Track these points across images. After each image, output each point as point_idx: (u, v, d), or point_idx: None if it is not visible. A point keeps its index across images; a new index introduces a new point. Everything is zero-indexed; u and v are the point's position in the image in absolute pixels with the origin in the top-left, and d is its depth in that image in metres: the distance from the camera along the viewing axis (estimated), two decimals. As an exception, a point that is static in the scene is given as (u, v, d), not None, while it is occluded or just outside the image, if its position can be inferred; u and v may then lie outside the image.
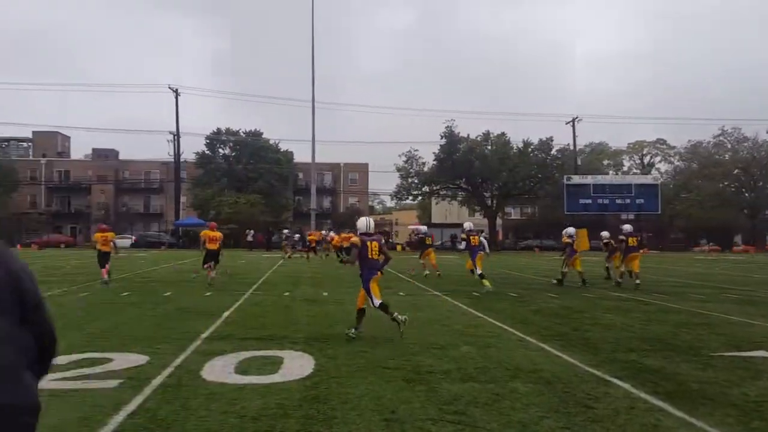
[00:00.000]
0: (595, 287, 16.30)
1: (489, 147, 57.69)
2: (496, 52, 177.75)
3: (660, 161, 77.56)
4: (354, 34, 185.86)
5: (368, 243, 8.08)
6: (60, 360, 6.36)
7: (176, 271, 20.92)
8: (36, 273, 1.78)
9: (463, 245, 15.77)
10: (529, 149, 57.48)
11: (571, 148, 60.54)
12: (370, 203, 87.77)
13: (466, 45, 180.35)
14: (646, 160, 77.74)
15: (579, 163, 62.46)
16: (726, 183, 70.06)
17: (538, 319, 10.10)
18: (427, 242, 20.63)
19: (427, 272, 19.44)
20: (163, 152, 65.43)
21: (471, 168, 55.27)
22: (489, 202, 60.18)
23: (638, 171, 73.90)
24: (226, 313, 10.18)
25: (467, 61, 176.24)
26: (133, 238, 56.87)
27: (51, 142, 78.49)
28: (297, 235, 37.50)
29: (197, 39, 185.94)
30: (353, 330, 7.99)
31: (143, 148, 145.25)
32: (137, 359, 6.46)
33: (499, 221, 61.92)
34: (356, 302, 8.37)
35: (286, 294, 13.51)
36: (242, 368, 6.10)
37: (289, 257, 32.18)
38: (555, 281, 16.75)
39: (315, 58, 42.88)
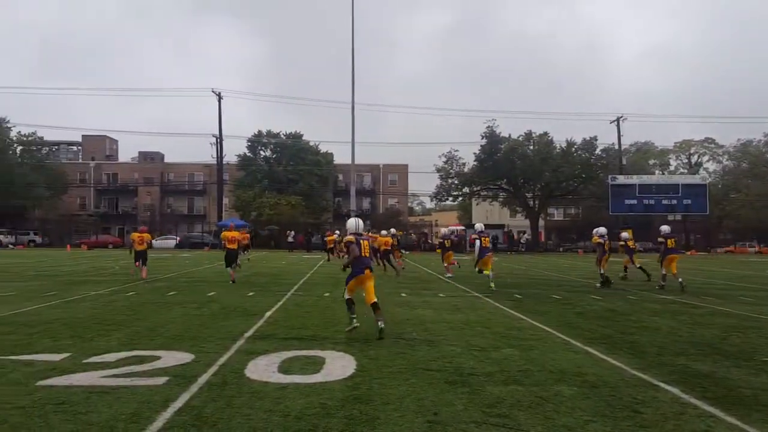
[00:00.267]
0: (640, 290, 15.90)
1: (531, 147, 56.86)
2: (536, 50, 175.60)
3: (708, 161, 75.20)
4: (393, 35, 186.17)
5: (361, 242, 8.39)
6: (110, 357, 6.57)
7: (218, 272, 21.27)
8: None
9: (476, 245, 16.11)
10: (573, 149, 56.46)
11: (616, 147, 59.24)
12: (409, 204, 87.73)
13: (507, 44, 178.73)
14: (694, 159, 75.49)
15: (624, 162, 61.03)
16: (776, 183, 67.52)
17: (582, 322, 9.92)
18: (447, 244, 21.07)
19: (450, 275, 19.79)
20: (206, 155, 66.80)
21: (513, 168, 54.62)
22: (531, 202, 59.35)
23: (685, 171, 71.80)
24: (268, 313, 10.30)
25: (508, 61, 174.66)
26: (178, 238, 58.11)
27: (99, 146, 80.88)
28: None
29: (239, 43, 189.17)
30: (354, 321, 8.27)
31: (187, 150, 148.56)
32: (183, 357, 6.59)
33: (541, 222, 60.97)
34: (346, 293, 8.63)
35: (327, 295, 13.59)
36: (285, 368, 6.16)
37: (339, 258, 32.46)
38: (599, 284, 16.41)
39: (355, 59, 43.03)
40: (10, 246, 54.84)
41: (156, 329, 8.55)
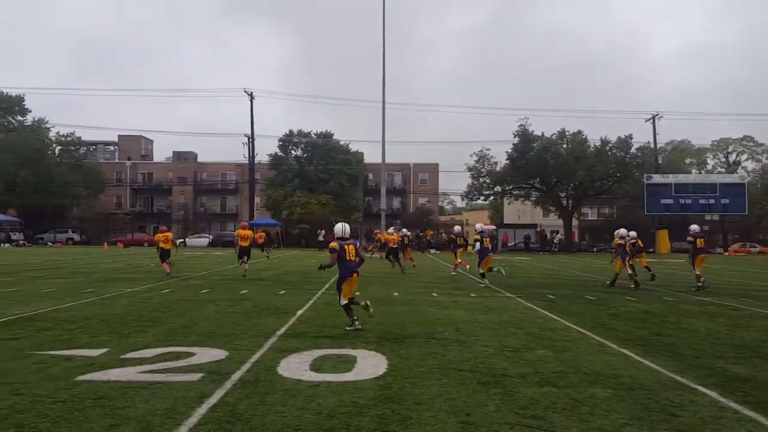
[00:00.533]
0: (677, 291, 15.58)
1: (564, 145, 56.06)
2: (569, 48, 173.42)
3: (747, 159, 73.28)
4: (424, 33, 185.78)
5: (345, 246, 8.69)
6: (146, 353, 6.69)
7: (251, 270, 21.48)
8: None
9: (477, 246, 16.39)
10: (607, 147, 55.50)
11: (652, 146, 58.11)
12: (440, 203, 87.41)
13: (539, 42, 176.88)
14: (732, 158, 73.63)
15: (660, 161, 59.87)
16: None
17: (617, 323, 9.75)
18: (459, 242, 21.34)
19: (454, 273, 19.90)
20: (238, 154, 67.58)
21: (545, 167, 53.93)
22: (564, 202, 58.52)
23: (723, 170, 70.11)
24: (300, 312, 10.37)
25: (540, 59, 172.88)
26: (210, 237, 58.96)
27: (135, 146, 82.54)
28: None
29: (271, 43, 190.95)
30: (356, 322, 8.55)
31: (220, 150, 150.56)
32: (217, 354, 6.68)
33: (575, 222, 60.06)
34: (342, 299, 8.76)
35: (357, 294, 13.58)
36: (317, 366, 6.19)
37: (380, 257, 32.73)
38: (632, 286, 16.12)
39: (386, 58, 43.05)
40: (50, 243, 56.34)
41: (190, 326, 8.69)
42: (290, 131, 65.96)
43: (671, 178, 51.59)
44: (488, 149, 58.44)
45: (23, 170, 58.22)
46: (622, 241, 16.15)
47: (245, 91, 57.71)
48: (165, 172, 74.91)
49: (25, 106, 73.57)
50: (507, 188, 59.93)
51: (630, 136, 55.81)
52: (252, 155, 58.82)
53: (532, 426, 4.41)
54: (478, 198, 64.14)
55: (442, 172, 75.00)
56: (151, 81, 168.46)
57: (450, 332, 8.44)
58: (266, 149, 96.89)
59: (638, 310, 11.63)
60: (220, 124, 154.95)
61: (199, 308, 10.71)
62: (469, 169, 58.16)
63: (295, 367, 6.12)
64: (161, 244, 18.69)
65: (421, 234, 43.53)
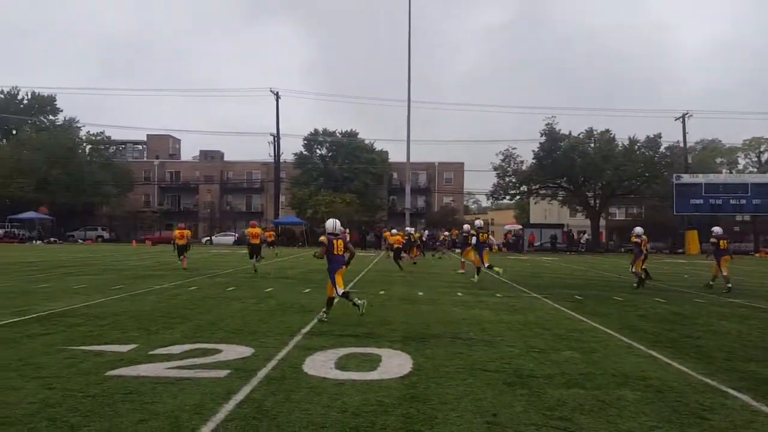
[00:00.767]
0: (708, 293, 15.29)
1: (592, 144, 55.38)
2: (597, 46, 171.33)
3: (780, 158, 71.56)
4: (449, 32, 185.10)
5: (334, 241, 9.22)
6: (174, 349, 6.78)
7: (276, 268, 21.65)
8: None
9: (473, 241, 17.05)
10: (636, 147, 54.68)
11: (681, 145, 57.09)
12: (465, 203, 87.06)
13: (565, 40, 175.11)
14: (764, 157, 71.91)
15: (689, 161, 58.74)
16: None
17: (645, 325, 9.61)
18: (469, 241, 21.33)
19: (462, 271, 19.78)
20: (264, 153, 68.10)
21: (573, 166, 53.35)
22: (592, 202, 57.82)
23: (755, 169, 68.56)
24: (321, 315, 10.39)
25: (566, 57, 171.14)
26: (236, 235, 59.53)
27: (163, 145, 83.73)
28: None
29: (296, 42, 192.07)
30: (323, 314, 9.23)
31: (246, 149, 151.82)
32: (244, 351, 6.74)
33: (602, 222, 59.30)
34: (327, 292, 9.42)
35: (381, 293, 13.62)
36: (341, 364, 6.21)
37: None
38: (634, 285, 16.23)
39: (411, 57, 43.02)
40: (80, 241, 57.46)
41: (217, 323, 8.78)
42: (315, 130, 66.32)
43: (701, 178, 50.64)
44: (514, 148, 58.01)
45: (55, 169, 59.45)
46: (638, 240, 16.21)
47: (271, 91, 58.12)
48: (192, 171, 75.85)
49: (57, 106, 75.43)
50: (533, 187, 59.43)
51: (659, 135, 54.97)
52: (277, 154, 59.22)
53: (558, 427, 4.37)
54: (504, 197, 63.77)
55: (468, 171, 74.81)
56: (178, 81, 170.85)
57: (475, 332, 8.40)
58: (291, 148, 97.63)
59: (667, 311, 11.45)
60: (246, 123, 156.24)
61: (226, 305, 10.83)
62: (495, 168, 57.84)
63: (320, 365, 6.14)
64: (178, 241, 20.22)
65: (447, 233, 43.31)
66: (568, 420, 4.53)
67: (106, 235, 61.81)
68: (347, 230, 49.99)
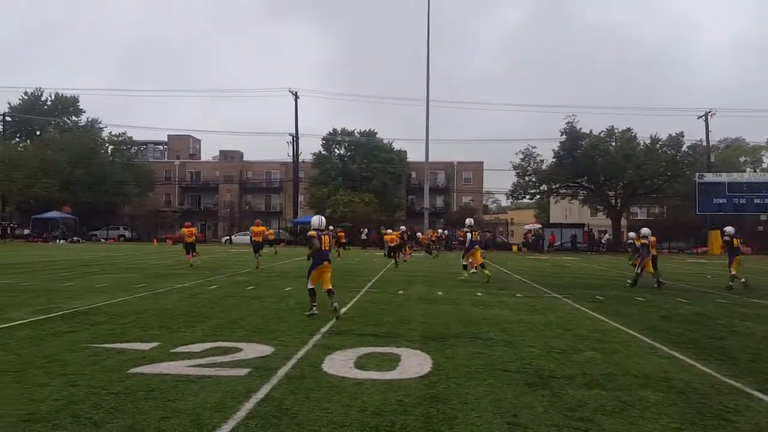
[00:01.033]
0: (731, 293, 15.06)
1: (613, 143, 54.79)
2: (616, 44, 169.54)
3: (804, 157, 70.28)
4: (467, 31, 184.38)
5: (321, 236, 9.55)
6: (195, 347, 6.84)
7: (295, 267, 21.75)
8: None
9: (468, 238, 17.52)
10: (658, 145, 54.00)
11: (704, 144, 56.25)
12: (484, 202, 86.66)
13: (584, 38, 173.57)
14: (789, 156, 70.74)
15: (712, 160, 57.88)
16: None
17: (667, 325, 9.50)
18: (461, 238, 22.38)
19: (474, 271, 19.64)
20: (283, 153, 68.43)
21: (593, 165, 52.83)
22: (613, 201, 57.22)
23: (780, 168, 67.42)
24: (343, 310, 10.39)
25: (586, 55, 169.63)
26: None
27: (184, 145, 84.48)
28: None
29: (314, 42, 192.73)
30: (312, 308, 9.47)
31: (265, 149, 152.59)
32: (263, 350, 6.78)
33: (624, 222, 58.61)
34: (310, 283, 9.63)
35: (401, 292, 13.62)
36: (361, 364, 6.22)
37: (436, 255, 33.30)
38: (629, 282, 16.51)
39: (429, 56, 42.97)
40: (102, 240, 58.21)
41: (237, 321, 8.84)
42: (334, 130, 66.51)
43: (725, 177, 49.89)
44: (534, 147, 57.62)
45: (78, 169, 60.25)
46: (645, 241, 16.32)
47: (290, 91, 58.44)
48: (212, 171, 76.45)
49: (80, 107, 76.58)
50: (554, 187, 58.97)
51: (681, 134, 54.27)
52: (296, 154, 59.48)
53: (580, 429, 4.33)
54: (524, 197, 63.39)
55: (487, 171, 74.35)
56: (198, 81, 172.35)
57: (495, 332, 8.36)
58: (310, 148, 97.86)
59: (690, 312, 11.31)
60: (265, 123, 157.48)
61: (245, 304, 10.89)
62: (515, 168, 57.49)
63: (340, 364, 6.16)
64: (186, 239, 21.54)
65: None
66: (589, 421, 4.50)
67: (127, 234, 62.46)
68: (366, 230, 50.19)
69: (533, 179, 57.51)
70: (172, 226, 65.72)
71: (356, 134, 65.75)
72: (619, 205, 57.01)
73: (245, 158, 79.29)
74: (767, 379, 5.93)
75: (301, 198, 63.97)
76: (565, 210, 76.73)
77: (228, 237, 61.92)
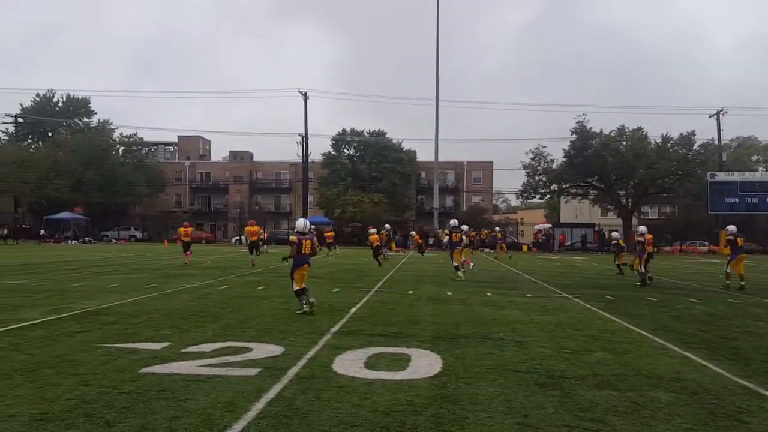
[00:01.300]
0: (742, 293, 14.94)
1: (624, 143, 54.43)
2: (626, 42, 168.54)
3: (818, 156, 69.56)
4: (475, 30, 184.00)
5: (303, 241, 9.90)
6: (206, 347, 6.87)
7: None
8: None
9: (446, 240, 18.28)
10: (669, 144, 53.60)
11: (716, 142, 55.79)
12: (494, 202, 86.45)
13: (594, 36, 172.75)
14: (802, 155, 70.06)
15: (724, 159, 57.41)
16: None
17: (679, 326, 9.43)
18: (455, 239, 22.84)
19: (466, 269, 20.32)
20: (292, 153, 68.56)
21: (604, 165, 52.49)
22: (624, 200, 56.86)
23: (793, 167, 66.79)
24: (353, 310, 10.43)
25: (596, 54, 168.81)
26: (265, 235, 59.95)
27: (194, 146, 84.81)
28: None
29: (322, 42, 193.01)
30: (304, 306, 9.74)
31: (275, 149, 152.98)
32: (274, 350, 6.79)
33: (634, 221, 58.23)
34: (295, 285, 9.93)
35: (410, 292, 13.61)
36: (371, 364, 6.21)
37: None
38: (638, 283, 16.39)
39: (439, 56, 42.91)
40: (114, 241, 58.60)
41: (247, 321, 8.87)
42: (343, 130, 66.53)
43: (737, 176, 49.42)
44: (544, 146, 57.31)
45: (89, 170, 60.69)
46: (641, 239, 16.49)
47: (299, 92, 58.48)
48: (222, 172, 76.72)
49: (91, 108, 77.10)
50: (564, 186, 58.67)
51: (693, 133, 53.85)
52: (306, 154, 59.56)
53: (591, 429, 4.31)
54: (534, 196, 63.12)
55: (497, 170, 74.10)
56: (208, 83, 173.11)
57: (506, 333, 8.33)
58: (319, 148, 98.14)
59: (702, 312, 11.23)
60: (274, 124, 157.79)
61: (256, 305, 10.93)
62: (525, 167, 57.27)
63: (350, 364, 6.16)
64: (183, 238, 22.42)
65: (476, 233, 43.07)
66: (600, 422, 4.47)
67: (138, 235, 62.84)
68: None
69: (543, 179, 57.24)
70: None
71: (365, 134, 65.76)
72: (629, 204, 56.66)
73: (255, 159, 79.49)
74: (781, 380, 5.87)
75: (310, 198, 64.04)
76: (575, 210, 76.40)
77: (238, 237, 62.10)
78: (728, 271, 16.23)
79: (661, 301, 12.84)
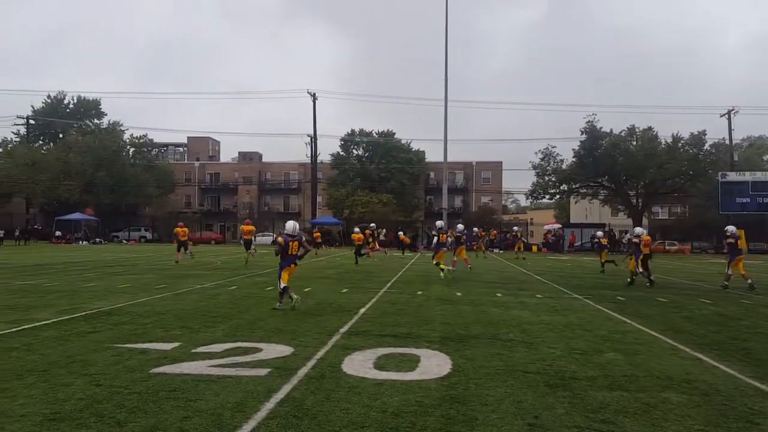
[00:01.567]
0: (754, 294, 14.82)
1: (634, 142, 54.11)
2: (635, 42, 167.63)
3: (831, 156, 68.74)
4: (482, 30, 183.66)
5: (290, 242, 10.40)
6: (215, 348, 6.90)
7: (313, 269, 21.81)
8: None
9: (434, 241, 18.77)
10: (679, 144, 53.25)
11: (727, 142, 55.36)
12: (503, 202, 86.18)
13: (603, 36, 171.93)
14: (815, 154, 69.26)
15: (735, 158, 56.94)
16: None
17: (690, 327, 9.37)
18: (462, 240, 22.91)
19: (454, 269, 20.64)
20: (301, 153, 68.70)
21: (614, 165, 52.21)
22: (634, 201, 56.52)
23: (806, 166, 66.07)
24: (362, 310, 10.43)
25: (605, 54, 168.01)
26: (274, 235, 60.07)
27: (203, 147, 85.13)
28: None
29: (331, 43, 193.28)
30: (280, 304, 10.33)
31: (284, 149, 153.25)
32: (283, 350, 6.81)
33: (645, 221, 57.86)
34: (282, 282, 10.43)
35: (419, 293, 13.60)
36: (380, 364, 6.21)
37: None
38: (647, 282, 16.47)
39: (448, 56, 42.79)
40: (124, 241, 58.93)
41: (256, 322, 8.89)
42: (352, 131, 66.59)
43: (748, 176, 49.01)
44: (554, 147, 57.09)
45: (100, 171, 61.05)
46: (637, 240, 16.61)
47: (308, 92, 58.56)
48: (231, 172, 76.98)
49: (101, 110, 77.60)
50: (574, 186, 58.40)
51: (703, 132, 53.46)
52: (314, 155, 59.64)
53: (602, 430, 4.29)
54: (543, 197, 62.89)
55: (506, 171, 73.79)
56: (217, 84, 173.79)
57: (515, 333, 8.31)
58: (328, 149, 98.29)
59: (713, 312, 11.15)
60: (283, 124, 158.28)
61: (265, 305, 10.95)
62: (534, 167, 57.05)
63: (359, 364, 6.16)
64: (180, 237, 23.66)
65: (485, 233, 43.01)
66: (611, 423, 4.45)
67: (148, 235, 63.13)
68: (384, 230, 50.47)
69: (553, 179, 57.02)
70: (191, 228, 66.22)
71: (374, 135, 65.79)
72: (640, 204, 56.33)
73: (264, 159, 79.72)
74: (793, 382, 5.82)
75: (319, 199, 64.12)
76: (585, 210, 76.07)
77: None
78: (729, 272, 16.12)
79: (672, 302, 12.77)
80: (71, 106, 76.02)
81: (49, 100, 75.09)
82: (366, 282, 16.28)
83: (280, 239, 10.55)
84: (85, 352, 6.61)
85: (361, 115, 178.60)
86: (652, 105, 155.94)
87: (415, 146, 66.78)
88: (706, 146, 53.93)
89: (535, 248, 53.13)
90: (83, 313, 9.54)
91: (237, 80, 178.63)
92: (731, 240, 16.24)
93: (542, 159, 56.63)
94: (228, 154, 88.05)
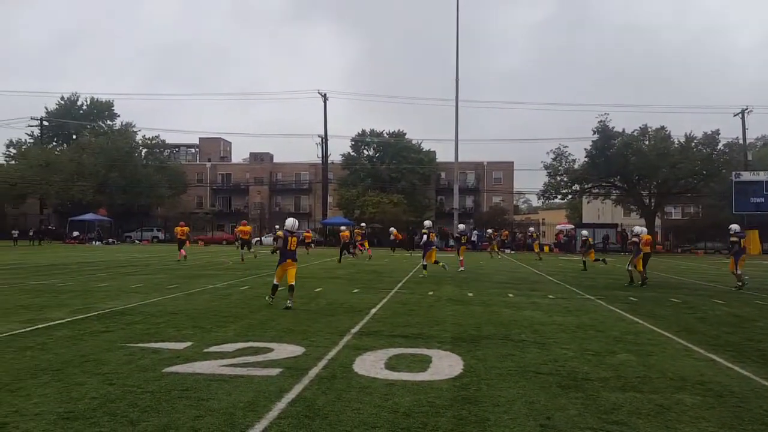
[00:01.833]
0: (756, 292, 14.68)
1: (647, 142, 53.68)
2: (647, 40, 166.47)
3: None
4: (493, 29, 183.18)
5: (289, 238, 10.66)
6: (227, 347, 6.92)
7: (324, 269, 21.85)
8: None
9: (424, 239, 19.15)
10: (693, 144, 52.77)
11: (741, 141, 54.80)
12: (515, 202, 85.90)
13: (615, 35, 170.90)
14: (831, 153, 68.43)
15: (749, 158, 56.38)
16: None
17: (704, 327, 9.29)
18: (463, 240, 24.17)
19: (462, 268, 21.38)
20: (312, 154, 68.84)
21: (626, 165, 51.79)
22: (647, 201, 56.08)
23: (821, 166, 65.27)
24: (373, 310, 10.43)
25: (616, 53, 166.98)
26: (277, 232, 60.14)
27: (215, 148, 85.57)
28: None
29: (342, 44, 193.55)
30: (270, 298, 10.92)
31: (295, 150, 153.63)
32: (294, 350, 6.82)
33: (658, 222, 57.40)
34: (274, 280, 10.94)
35: (430, 293, 13.57)
36: (392, 365, 6.21)
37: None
38: (628, 283, 16.70)
39: (459, 56, 42.74)
40: (136, 241, 59.33)
41: (268, 322, 8.92)
42: (363, 131, 66.65)
43: (762, 176, 48.55)
44: (566, 146, 56.73)
45: (113, 172, 61.52)
46: (636, 239, 16.66)
47: (319, 93, 58.71)
48: (242, 173, 77.30)
49: (114, 111, 78.22)
50: (586, 187, 58.02)
51: (717, 132, 52.88)
52: (325, 155, 59.76)
53: (615, 432, 4.26)
54: (555, 197, 62.57)
55: (518, 171, 73.57)
56: (228, 85, 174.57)
57: (527, 334, 8.28)
58: (339, 149, 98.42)
59: (727, 313, 11.05)
60: (294, 125, 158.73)
61: (276, 305, 10.96)
62: (546, 167, 56.77)
63: (371, 365, 6.16)
64: (179, 236, 25.42)
65: (497, 233, 42.83)
66: (624, 424, 4.42)
67: (161, 236, 63.50)
68: (394, 230, 50.54)
69: (565, 179, 56.70)
70: (203, 228, 66.61)
71: (385, 135, 65.79)
72: (652, 204, 55.90)
73: (275, 160, 79.96)
74: (809, 383, 5.75)
75: (330, 199, 64.25)
76: (597, 210, 75.62)
77: (258, 238, 62.51)
78: (739, 272, 16.00)
79: (685, 303, 12.66)
80: (84, 107, 76.70)
81: (62, 102, 75.83)
82: (377, 282, 16.28)
83: (280, 233, 10.80)
84: (98, 351, 6.66)
85: (371, 115, 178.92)
86: (664, 104, 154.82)
87: (425, 146, 66.83)
88: (720, 146, 53.37)
89: (546, 248, 52.88)
90: (96, 313, 9.61)
91: (248, 81, 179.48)
92: (735, 239, 16.22)
93: (554, 159, 56.30)
94: (239, 155, 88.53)
